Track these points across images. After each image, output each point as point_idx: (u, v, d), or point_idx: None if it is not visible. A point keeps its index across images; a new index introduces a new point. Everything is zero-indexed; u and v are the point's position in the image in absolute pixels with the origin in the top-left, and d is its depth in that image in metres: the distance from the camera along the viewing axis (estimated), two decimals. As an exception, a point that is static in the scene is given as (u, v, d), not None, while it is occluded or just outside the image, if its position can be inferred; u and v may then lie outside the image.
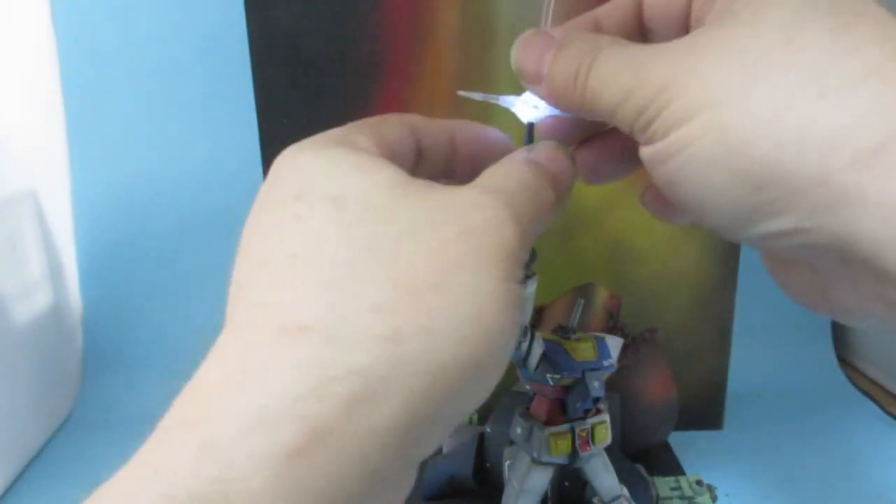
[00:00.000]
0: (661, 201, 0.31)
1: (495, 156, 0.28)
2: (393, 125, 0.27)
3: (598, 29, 0.30)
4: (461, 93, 0.32)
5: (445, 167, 0.29)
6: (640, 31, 0.30)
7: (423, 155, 0.28)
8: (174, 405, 0.21)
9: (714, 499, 0.56)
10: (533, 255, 0.32)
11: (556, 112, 0.31)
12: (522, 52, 0.29)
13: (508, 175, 0.26)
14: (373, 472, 0.20)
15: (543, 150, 0.28)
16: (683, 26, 0.29)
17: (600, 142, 0.32)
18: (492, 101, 0.32)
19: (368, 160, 0.23)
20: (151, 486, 0.19)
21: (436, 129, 0.29)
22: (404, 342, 0.20)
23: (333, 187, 0.22)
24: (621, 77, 0.25)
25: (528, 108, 0.31)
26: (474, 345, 0.21)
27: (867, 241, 0.21)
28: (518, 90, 0.31)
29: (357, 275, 0.21)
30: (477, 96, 0.32)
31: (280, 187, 0.23)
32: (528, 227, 0.24)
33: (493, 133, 0.30)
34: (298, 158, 0.24)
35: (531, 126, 0.32)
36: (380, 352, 0.20)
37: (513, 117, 0.31)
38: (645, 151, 0.26)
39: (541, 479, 0.42)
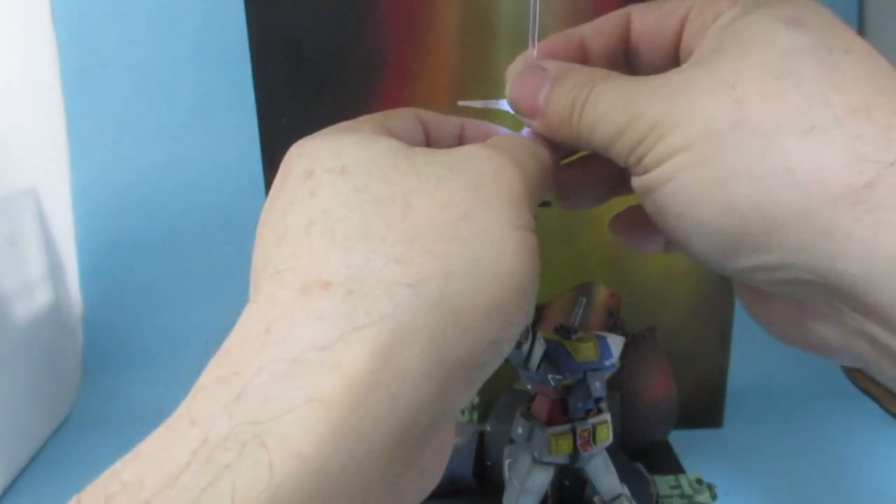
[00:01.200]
0: (631, 229, 0.32)
1: None
2: (400, 118, 0.28)
3: (583, 47, 0.31)
4: (461, 103, 0.33)
5: None
6: (626, 53, 0.30)
7: (431, 147, 0.29)
8: (206, 370, 0.21)
9: (714, 497, 0.56)
10: None
11: None
12: (517, 88, 0.29)
13: (507, 138, 0.27)
14: (406, 419, 0.20)
15: (530, 132, 0.29)
16: (671, 55, 0.29)
17: (577, 168, 0.32)
18: (492, 106, 0.32)
19: (370, 136, 0.24)
20: (188, 434, 0.19)
21: (445, 123, 0.30)
22: (424, 287, 0.21)
23: (340, 161, 0.23)
24: (615, 113, 0.25)
25: None
26: (493, 287, 0.22)
27: (851, 277, 0.22)
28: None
29: (370, 233, 0.22)
30: (477, 104, 0.32)
31: (292, 171, 0.24)
32: (531, 180, 0.25)
33: (504, 131, 0.31)
34: (306, 146, 0.25)
35: None
36: (401, 299, 0.21)
37: (508, 120, 0.32)
38: (635, 181, 0.26)
39: (542, 479, 0.42)
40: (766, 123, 0.22)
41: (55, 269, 0.71)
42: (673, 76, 0.25)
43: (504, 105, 0.32)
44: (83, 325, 0.76)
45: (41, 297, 0.68)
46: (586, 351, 0.41)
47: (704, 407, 0.67)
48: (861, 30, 0.74)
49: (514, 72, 0.30)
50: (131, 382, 0.75)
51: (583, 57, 0.31)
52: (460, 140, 0.31)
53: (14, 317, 0.64)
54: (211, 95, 0.72)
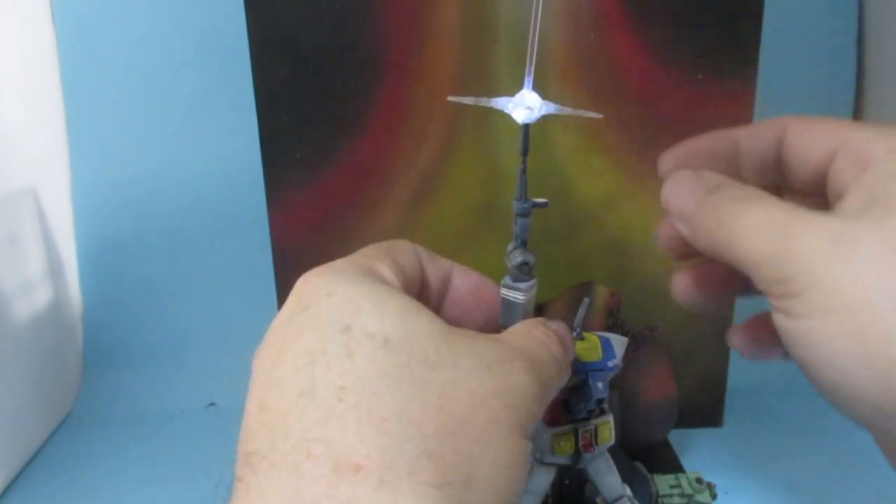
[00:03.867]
0: (755, 343, 0.33)
1: (485, 305, 0.32)
2: (405, 254, 0.29)
3: (736, 148, 0.31)
4: (451, 98, 0.33)
5: (437, 302, 0.31)
6: (777, 161, 0.30)
7: (423, 286, 0.30)
8: None
9: (714, 496, 0.56)
10: (531, 256, 0.32)
11: (551, 111, 0.31)
12: (673, 190, 0.29)
13: (540, 345, 0.28)
14: None
15: (561, 328, 0.30)
16: (820, 178, 0.29)
17: (703, 271, 0.33)
18: (483, 104, 0.32)
19: (413, 306, 0.25)
20: None
21: (437, 265, 0.31)
22: (448, 490, 0.21)
23: (383, 328, 0.23)
24: (768, 239, 0.25)
25: (522, 109, 0.31)
26: (504, 494, 0.23)
27: None
28: (515, 91, 0.31)
29: (406, 417, 0.22)
30: (468, 101, 0.32)
31: (321, 314, 0.24)
32: (548, 393, 0.27)
33: (488, 286, 0.32)
34: (337, 287, 0.25)
35: (527, 127, 0.32)
36: (427, 499, 0.21)
37: (508, 119, 0.32)
38: (784, 325, 0.25)
39: (543, 479, 0.42)
40: None
41: (55, 268, 0.71)
42: (837, 221, 0.24)
43: (497, 103, 0.31)
44: (83, 324, 0.76)
45: (41, 296, 0.68)
46: (589, 351, 0.41)
47: (704, 406, 0.67)
48: (861, 30, 0.74)
49: (668, 165, 0.31)
50: (131, 382, 0.75)
51: (735, 157, 0.31)
52: (446, 282, 0.31)
53: (14, 315, 0.64)
54: (211, 95, 0.71)
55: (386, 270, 0.27)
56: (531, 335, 0.28)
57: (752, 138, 0.31)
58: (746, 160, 0.31)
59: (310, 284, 0.25)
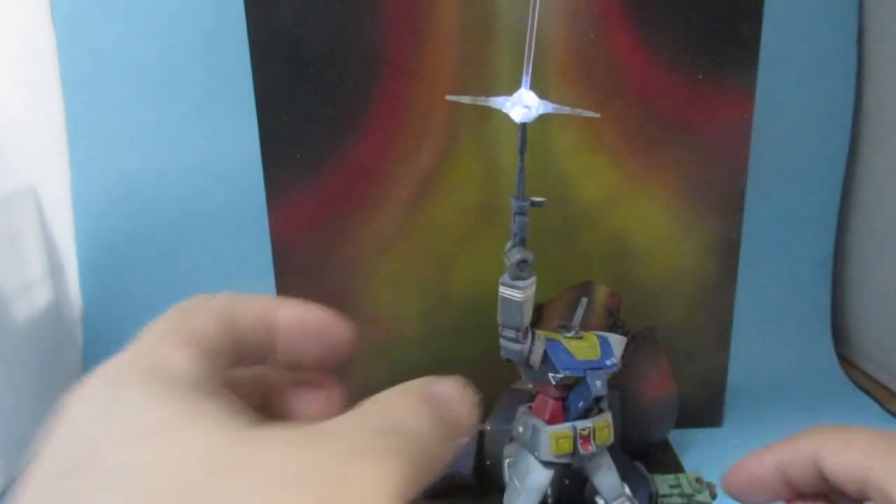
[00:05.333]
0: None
1: (315, 336, 0.25)
2: (203, 315, 0.23)
3: (782, 472, 0.32)
4: (449, 97, 0.33)
5: (267, 350, 0.25)
6: (822, 478, 0.31)
7: (239, 342, 0.23)
8: None
9: (713, 496, 0.56)
10: (529, 254, 0.33)
11: (548, 110, 0.31)
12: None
13: (404, 417, 0.20)
14: None
15: (450, 387, 0.22)
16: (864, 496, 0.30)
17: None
18: (481, 103, 0.32)
19: (182, 411, 0.18)
20: None
21: (252, 309, 0.24)
22: None
23: (125, 457, 0.16)
24: None
25: (520, 108, 0.31)
26: None
27: None
28: (513, 90, 0.31)
29: None
30: (465, 100, 0.32)
31: (54, 451, 0.18)
32: (416, 480, 0.18)
33: (312, 315, 0.25)
34: (79, 406, 0.18)
35: (524, 126, 0.32)
36: None
37: (508, 119, 0.32)
38: None
39: (542, 478, 0.42)
40: None
41: (55, 268, 0.71)
42: None
43: (495, 102, 0.32)
44: (83, 323, 0.76)
45: (41, 296, 0.68)
46: (587, 350, 0.41)
47: (704, 406, 0.67)
48: (861, 30, 0.74)
49: (732, 489, 0.33)
50: (131, 381, 0.75)
51: (784, 475, 0.32)
52: (270, 324, 0.24)
53: (14, 315, 0.64)
54: (211, 95, 0.72)
55: (175, 355, 0.20)
56: (396, 408, 0.20)
57: (792, 458, 0.31)
58: (795, 476, 0.32)
59: (64, 406, 0.19)
